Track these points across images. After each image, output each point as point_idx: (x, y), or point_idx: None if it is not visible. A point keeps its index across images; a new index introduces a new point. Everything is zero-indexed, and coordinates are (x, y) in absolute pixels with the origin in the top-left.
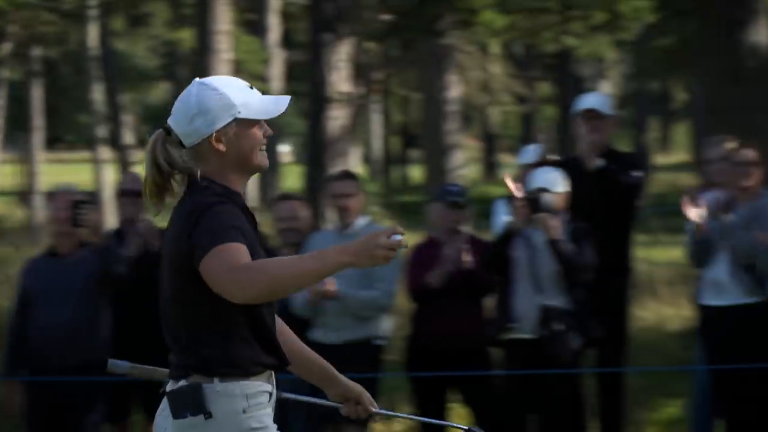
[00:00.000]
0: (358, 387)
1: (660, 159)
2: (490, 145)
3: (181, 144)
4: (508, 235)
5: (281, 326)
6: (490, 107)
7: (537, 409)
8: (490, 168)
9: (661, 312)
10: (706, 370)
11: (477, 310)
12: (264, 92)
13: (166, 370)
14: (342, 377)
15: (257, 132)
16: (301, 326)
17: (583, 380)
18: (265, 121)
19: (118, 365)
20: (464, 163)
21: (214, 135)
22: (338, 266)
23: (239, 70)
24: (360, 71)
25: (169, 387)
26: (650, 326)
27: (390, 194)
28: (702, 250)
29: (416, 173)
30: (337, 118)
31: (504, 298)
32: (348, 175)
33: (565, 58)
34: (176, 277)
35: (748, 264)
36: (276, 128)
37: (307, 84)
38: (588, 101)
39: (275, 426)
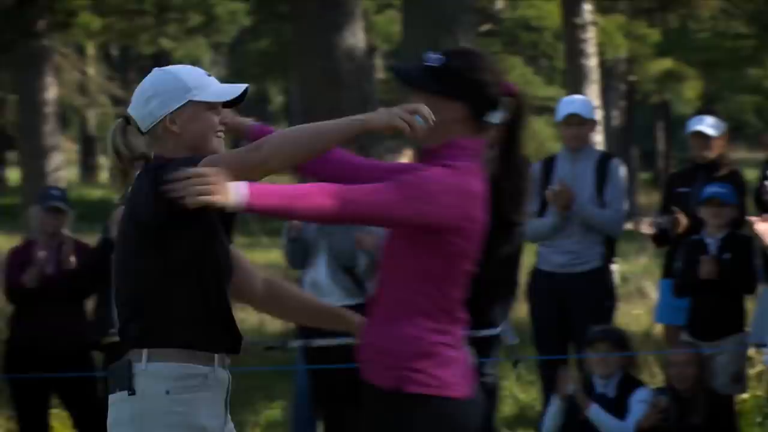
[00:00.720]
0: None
1: None
2: (88, 147)
3: (140, 132)
4: (108, 241)
5: (282, 284)
6: (87, 109)
7: None
8: (89, 170)
9: (260, 314)
10: (305, 372)
11: (78, 312)
12: None
13: None
14: (349, 312)
15: (212, 116)
16: None
17: None
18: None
19: None
20: (62, 165)
21: (168, 117)
22: (359, 124)
23: None
24: None
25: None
26: (251, 327)
27: None
28: (298, 251)
29: (14, 175)
30: None
31: (104, 301)
32: None
33: (162, 60)
34: (130, 244)
35: (347, 266)
36: None
37: None
38: None
39: (201, 412)
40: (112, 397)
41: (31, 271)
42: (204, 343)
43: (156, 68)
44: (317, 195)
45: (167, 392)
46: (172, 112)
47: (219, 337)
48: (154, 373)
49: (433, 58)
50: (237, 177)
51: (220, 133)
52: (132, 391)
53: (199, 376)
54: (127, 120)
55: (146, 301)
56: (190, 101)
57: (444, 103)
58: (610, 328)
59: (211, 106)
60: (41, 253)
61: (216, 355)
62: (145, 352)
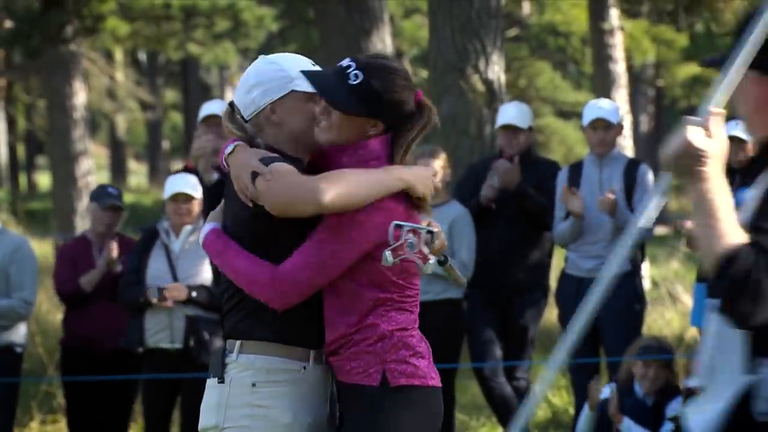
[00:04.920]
0: None
1: None
2: (118, 152)
3: (243, 119)
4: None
5: None
6: (116, 114)
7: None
8: (119, 175)
9: None
10: None
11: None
12: None
13: None
14: None
15: (313, 107)
16: None
17: None
18: None
19: None
20: (92, 170)
21: (269, 106)
22: (401, 182)
23: None
24: None
25: None
26: None
27: (18, 201)
28: None
29: (44, 180)
30: None
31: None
32: None
33: (189, 66)
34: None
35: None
36: None
37: None
38: (211, 108)
39: (288, 407)
40: (208, 382)
41: (92, 274)
42: (298, 339)
43: (262, 57)
44: None
45: (253, 384)
46: (273, 102)
47: (314, 332)
48: (244, 364)
49: (352, 75)
50: (282, 201)
51: (322, 124)
52: (221, 380)
53: (290, 371)
54: (232, 106)
55: (242, 294)
56: (292, 91)
57: (364, 120)
58: (662, 344)
59: (311, 97)
60: (101, 257)
61: (312, 351)
62: (237, 343)
